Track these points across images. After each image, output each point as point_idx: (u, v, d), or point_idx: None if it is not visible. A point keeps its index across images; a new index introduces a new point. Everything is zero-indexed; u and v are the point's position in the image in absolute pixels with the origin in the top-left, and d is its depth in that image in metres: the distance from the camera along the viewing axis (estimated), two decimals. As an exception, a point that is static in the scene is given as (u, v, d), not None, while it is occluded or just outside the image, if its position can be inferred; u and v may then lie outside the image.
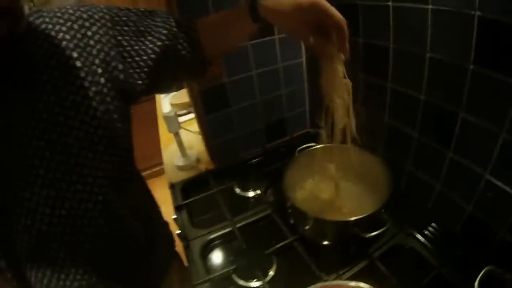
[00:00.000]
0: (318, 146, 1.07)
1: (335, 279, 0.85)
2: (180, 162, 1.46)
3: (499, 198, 0.77)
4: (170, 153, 1.60)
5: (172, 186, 1.30)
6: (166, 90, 2.03)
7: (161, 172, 3.08)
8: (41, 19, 0.59)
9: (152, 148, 2.14)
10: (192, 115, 1.83)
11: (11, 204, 0.58)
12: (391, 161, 0.98)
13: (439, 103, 0.86)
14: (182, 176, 1.36)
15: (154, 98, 2.46)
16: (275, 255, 0.95)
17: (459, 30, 0.73)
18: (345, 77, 0.73)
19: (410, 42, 0.88)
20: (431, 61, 0.83)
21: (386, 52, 0.96)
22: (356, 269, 0.87)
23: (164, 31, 0.74)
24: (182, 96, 2.02)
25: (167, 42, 0.74)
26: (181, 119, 1.85)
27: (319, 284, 0.76)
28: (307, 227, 0.94)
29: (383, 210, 0.87)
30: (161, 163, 1.66)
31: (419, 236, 0.94)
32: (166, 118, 1.36)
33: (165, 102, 2.14)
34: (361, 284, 0.73)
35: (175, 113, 1.38)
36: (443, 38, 0.78)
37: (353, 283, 0.74)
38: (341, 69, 0.71)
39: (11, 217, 0.59)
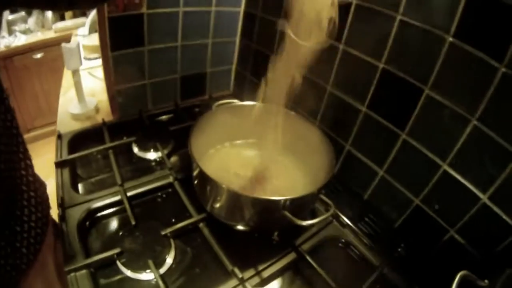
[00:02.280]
0: (243, 103, 0.87)
1: (252, 276, 0.68)
2: (76, 109, 1.20)
3: (455, 191, 0.69)
4: (67, 100, 1.33)
5: (59, 137, 1.05)
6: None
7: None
8: None
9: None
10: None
11: None
12: (327, 134, 0.85)
13: (401, 74, 0.74)
14: (76, 127, 1.12)
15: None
16: (174, 238, 0.76)
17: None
18: None
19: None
20: (401, 25, 0.71)
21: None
22: (280, 264, 0.72)
23: None
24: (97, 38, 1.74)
25: None
26: (90, 63, 1.64)
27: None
28: (217, 204, 0.73)
29: (321, 193, 0.68)
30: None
31: (355, 228, 0.81)
32: (65, 50, 1.11)
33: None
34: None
35: (78, 44, 1.14)
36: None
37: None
38: None
39: None
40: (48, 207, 0.73)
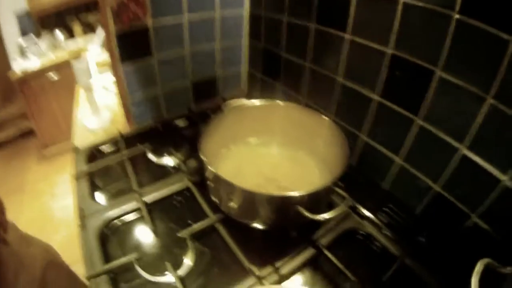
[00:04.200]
0: (253, 101, 0.86)
1: (270, 273, 0.66)
2: (91, 124, 1.22)
3: (474, 174, 0.66)
4: (82, 115, 1.36)
5: (75, 150, 1.06)
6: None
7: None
8: None
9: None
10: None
11: None
12: (343, 127, 0.83)
13: (411, 58, 0.71)
14: (92, 139, 1.14)
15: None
16: (192, 239, 0.75)
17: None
18: None
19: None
20: (405, 7, 0.69)
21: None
22: (297, 261, 0.71)
23: None
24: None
25: None
26: (103, 78, 1.65)
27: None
28: (232, 204, 0.72)
29: (335, 186, 0.67)
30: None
31: (374, 219, 0.79)
32: (76, 67, 1.16)
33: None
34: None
35: (87, 63, 1.18)
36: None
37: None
38: None
39: None
40: None
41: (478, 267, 0.54)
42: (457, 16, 0.60)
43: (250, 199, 0.67)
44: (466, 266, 0.61)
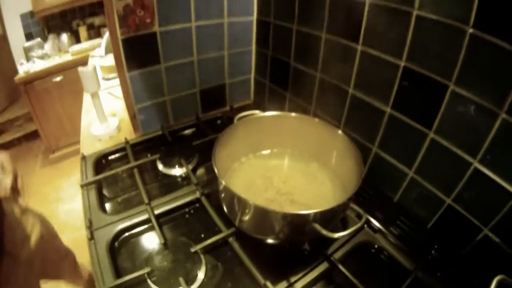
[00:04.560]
0: (265, 114, 0.85)
1: None
2: (98, 130, 1.21)
3: (486, 188, 0.65)
4: (89, 121, 1.35)
5: (83, 159, 1.05)
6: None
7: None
8: None
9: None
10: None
11: None
12: (353, 138, 0.83)
13: (424, 71, 0.70)
14: (100, 147, 1.13)
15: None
16: (204, 253, 0.75)
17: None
18: None
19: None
20: (418, 20, 0.68)
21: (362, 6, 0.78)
22: (312, 275, 0.70)
23: None
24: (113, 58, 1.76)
25: None
26: (109, 83, 1.66)
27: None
28: (245, 219, 0.71)
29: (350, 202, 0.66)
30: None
31: (386, 233, 0.78)
32: (82, 73, 1.13)
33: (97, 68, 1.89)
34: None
35: (94, 68, 1.15)
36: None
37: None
38: None
39: None
40: None
41: (494, 285, 0.54)
42: (471, 30, 0.59)
43: (264, 216, 0.67)
44: (480, 280, 0.61)
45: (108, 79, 1.70)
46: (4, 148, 2.96)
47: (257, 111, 0.87)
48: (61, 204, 2.49)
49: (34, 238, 0.91)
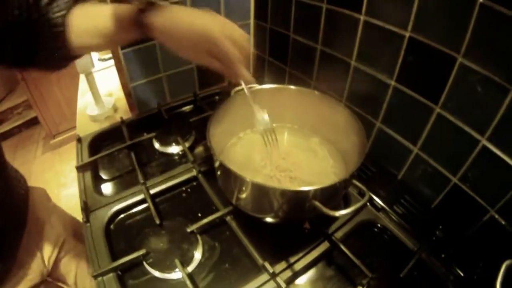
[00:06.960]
0: (264, 86, 0.82)
1: (284, 269, 0.64)
2: (94, 111, 1.18)
3: (494, 167, 0.63)
4: (85, 103, 1.32)
5: (79, 140, 1.03)
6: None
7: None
8: None
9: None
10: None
11: None
12: (356, 112, 0.79)
13: (430, 43, 0.66)
14: (95, 128, 1.10)
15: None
16: (201, 233, 0.73)
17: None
18: None
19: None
20: None
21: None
22: (312, 255, 0.68)
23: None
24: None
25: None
26: (105, 64, 1.62)
27: None
28: (243, 197, 0.68)
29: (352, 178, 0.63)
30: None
31: (390, 211, 0.76)
32: None
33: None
34: None
35: None
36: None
37: None
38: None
39: None
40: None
41: (503, 270, 0.52)
42: (481, 0, 0.55)
43: (263, 193, 0.64)
44: (483, 262, 0.59)
45: (104, 60, 1.66)
46: (4, 137, 2.96)
47: (255, 84, 0.84)
48: (64, 189, 2.49)
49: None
